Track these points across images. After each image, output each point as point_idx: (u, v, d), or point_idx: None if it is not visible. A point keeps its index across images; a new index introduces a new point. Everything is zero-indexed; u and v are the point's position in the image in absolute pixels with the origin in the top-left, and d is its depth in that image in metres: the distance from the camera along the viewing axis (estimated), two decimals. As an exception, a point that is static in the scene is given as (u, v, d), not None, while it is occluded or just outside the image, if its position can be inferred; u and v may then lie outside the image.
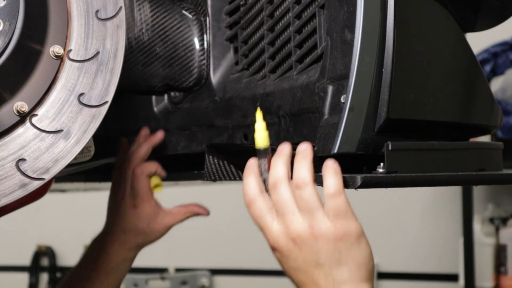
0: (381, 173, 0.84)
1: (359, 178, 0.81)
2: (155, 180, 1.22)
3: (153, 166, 1.20)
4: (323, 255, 0.81)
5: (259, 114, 0.89)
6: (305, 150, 0.85)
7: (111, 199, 1.24)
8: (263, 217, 0.85)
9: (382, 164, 0.84)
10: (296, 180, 0.83)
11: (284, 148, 0.87)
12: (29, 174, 0.77)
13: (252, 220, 0.86)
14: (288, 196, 0.83)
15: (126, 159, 1.22)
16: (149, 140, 1.21)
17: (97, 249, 1.22)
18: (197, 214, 1.25)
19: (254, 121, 1.05)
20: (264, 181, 0.87)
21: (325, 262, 0.81)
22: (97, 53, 0.82)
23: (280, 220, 0.84)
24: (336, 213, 0.82)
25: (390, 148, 0.84)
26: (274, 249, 0.84)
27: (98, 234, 1.24)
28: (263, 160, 0.87)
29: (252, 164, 0.88)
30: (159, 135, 1.21)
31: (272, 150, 0.89)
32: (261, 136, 0.88)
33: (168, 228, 1.24)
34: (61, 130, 0.79)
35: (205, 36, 1.17)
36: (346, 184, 0.82)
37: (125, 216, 1.21)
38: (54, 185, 1.02)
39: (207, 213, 1.23)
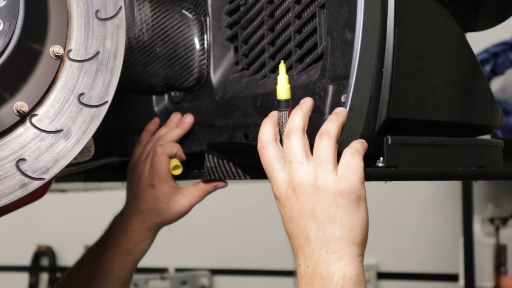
0: (380, 167, 0.85)
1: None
2: (174, 162, 1.19)
3: (175, 147, 1.16)
4: (319, 207, 0.81)
5: (282, 67, 0.90)
6: (341, 112, 0.85)
7: (130, 178, 1.21)
8: (272, 164, 0.85)
9: (382, 158, 0.85)
10: (321, 130, 0.83)
11: (306, 101, 0.87)
12: (29, 174, 0.77)
13: (263, 165, 0.86)
14: (299, 146, 0.83)
15: (151, 139, 1.19)
16: (181, 125, 1.18)
17: (116, 228, 1.20)
18: (216, 189, 1.20)
19: (254, 121, 1.06)
20: (281, 133, 0.87)
21: (319, 215, 0.80)
22: (97, 53, 0.82)
23: (287, 169, 0.83)
24: (347, 169, 0.81)
25: (389, 142, 0.84)
26: (275, 197, 0.84)
27: (118, 213, 1.23)
28: (284, 112, 0.88)
29: (273, 114, 0.89)
30: (189, 120, 1.17)
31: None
32: (283, 88, 0.88)
33: (189, 207, 1.19)
34: (61, 130, 0.79)
35: (205, 36, 1.17)
36: None
37: (143, 196, 1.18)
38: (54, 185, 1.02)
39: (225, 184, 1.18)
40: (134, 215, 1.19)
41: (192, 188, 1.20)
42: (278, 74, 0.89)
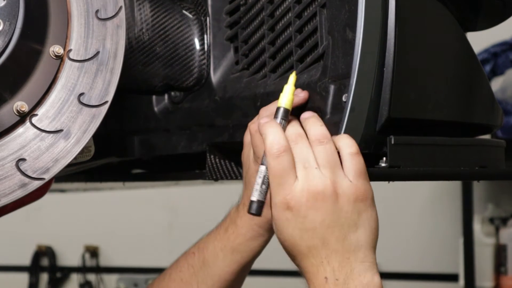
0: (383, 167, 0.84)
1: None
2: None
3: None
4: (343, 215, 0.77)
5: (292, 76, 0.87)
6: (314, 115, 0.83)
7: (243, 167, 1.06)
8: (290, 172, 0.78)
9: (384, 158, 0.84)
10: (317, 136, 0.80)
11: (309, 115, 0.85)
12: (29, 174, 0.77)
13: (271, 172, 0.79)
14: (310, 151, 0.79)
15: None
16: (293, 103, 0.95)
17: (228, 220, 1.07)
18: None
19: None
20: None
21: (343, 223, 0.77)
22: (97, 53, 0.82)
23: (301, 176, 0.78)
24: (357, 172, 0.79)
25: (393, 142, 0.84)
26: (290, 207, 0.77)
27: (235, 205, 1.09)
28: (284, 121, 0.84)
29: (271, 119, 0.83)
30: (304, 95, 0.94)
31: None
32: (287, 97, 0.86)
33: None
34: (61, 130, 0.79)
35: (205, 36, 1.17)
36: None
37: (251, 186, 0.99)
38: (54, 185, 1.02)
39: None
40: (245, 207, 1.02)
41: None
42: (286, 83, 0.86)
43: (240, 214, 1.04)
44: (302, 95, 0.92)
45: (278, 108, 0.86)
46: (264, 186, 0.81)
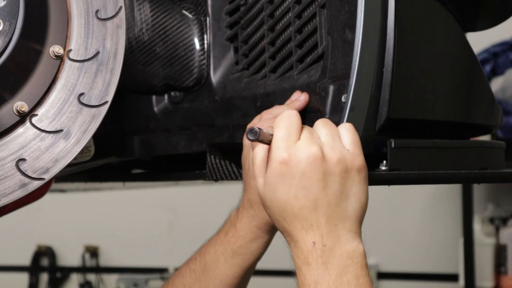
0: (384, 170, 0.84)
1: (362, 175, 0.81)
2: None
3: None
4: (339, 180, 0.79)
5: None
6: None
7: (243, 169, 1.07)
8: (295, 130, 0.81)
9: (385, 161, 0.84)
10: (320, 120, 0.83)
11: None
12: (29, 174, 0.77)
13: (276, 135, 0.80)
14: (314, 131, 0.81)
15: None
16: (295, 106, 0.98)
17: (228, 223, 1.08)
18: None
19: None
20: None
21: (337, 189, 0.78)
22: (97, 53, 0.82)
23: (305, 138, 0.80)
24: (354, 141, 0.81)
25: (393, 145, 0.84)
26: (289, 162, 0.78)
27: (235, 208, 1.10)
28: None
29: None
30: (304, 98, 0.97)
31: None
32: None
33: None
34: (61, 130, 0.79)
35: (205, 36, 1.17)
36: None
37: (251, 187, 1.04)
38: (54, 185, 1.02)
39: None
40: (245, 209, 1.06)
41: None
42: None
43: (240, 217, 1.05)
44: (303, 97, 0.94)
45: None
46: (270, 136, 0.81)
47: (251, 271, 1.08)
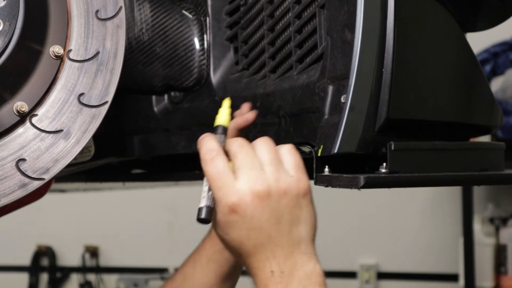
0: (383, 173, 0.84)
1: (362, 178, 0.81)
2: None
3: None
4: (288, 210, 0.79)
5: (227, 101, 0.91)
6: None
7: None
8: (226, 174, 0.79)
9: (384, 164, 0.84)
10: (261, 138, 0.83)
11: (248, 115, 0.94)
12: (29, 174, 0.77)
13: (209, 178, 0.80)
14: (254, 154, 0.81)
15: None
16: (236, 123, 1.02)
17: (207, 233, 1.14)
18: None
19: (254, 121, 1.05)
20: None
21: (288, 219, 0.79)
22: (97, 53, 0.82)
23: (245, 178, 0.79)
24: (296, 165, 0.81)
25: (393, 148, 0.84)
26: (236, 210, 0.78)
27: None
28: (221, 136, 0.86)
29: (207, 134, 0.86)
30: (251, 117, 1.02)
31: None
32: (224, 117, 0.89)
33: None
34: (61, 130, 0.79)
35: (205, 36, 1.17)
36: (349, 184, 0.82)
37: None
38: (54, 185, 1.02)
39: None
40: (207, 239, 1.12)
41: None
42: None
43: (207, 234, 1.09)
44: (250, 117, 0.97)
45: (215, 127, 0.88)
46: (210, 193, 0.81)
47: (231, 280, 1.10)
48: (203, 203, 0.81)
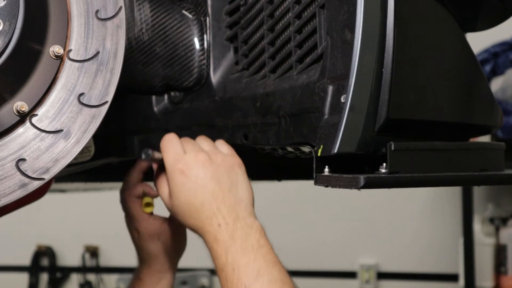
0: (383, 173, 0.84)
1: (362, 178, 0.81)
2: (145, 200, 1.22)
3: (140, 187, 1.20)
4: (226, 174, 0.97)
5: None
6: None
7: (127, 225, 1.26)
8: (178, 149, 1.00)
9: (384, 164, 0.84)
10: (198, 137, 1.06)
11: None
12: (29, 174, 0.77)
13: (164, 151, 1.00)
14: (197, 144, 1.03)
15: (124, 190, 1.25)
16: (137, 166, 1.24)
17: (134, 278, 1.26)
18: None
19: (254, 122, 1.05)
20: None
21: (227, 181, 0.96)
22: (97, 53, 0.82)
23: (191, 151, 0.99)
24: (229, 150, 1.02)
25: (393, 148, 0.84)
26: (182, 172, 0.96)
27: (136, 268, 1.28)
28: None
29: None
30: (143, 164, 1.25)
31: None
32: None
33: (182, 227, 1.21)
34: (61, 130, 0.79)
35: (205, 36, 1.17)
36: (349, 184, 0.82)
37: (135, 242, 1.24)
38: (54, 185, 1.02)
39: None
40: (140, 262, 1.24)
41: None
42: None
43: (141, 269, 1.23)
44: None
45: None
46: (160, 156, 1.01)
47: None
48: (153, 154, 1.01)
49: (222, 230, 0.92)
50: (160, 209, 1.17)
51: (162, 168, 1.03)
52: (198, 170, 0.96)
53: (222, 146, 1.02)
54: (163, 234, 1.20)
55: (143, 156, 1.01)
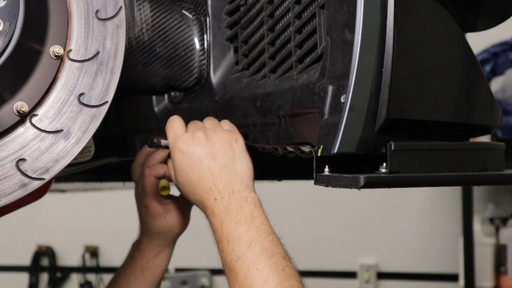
0: (383, 173, 0.84)
1: (362, 178, 0.81)
2: (163, 183, 1.22)
3: (162, 168, 1.20)
4: (222, 150, 1.00)
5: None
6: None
7: (135, 192, 1.28)
8: (180, 129, 1.03)
9: (384, 164, 0.84)
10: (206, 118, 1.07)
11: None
12: (29, 174, 0.77)
13: (168, 132, 1.03)
14: (202, 124, 1.05)
15: (143, 161, 1.25)
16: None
17: (132, 249, 1.28)
18: None
19: (254, 121, 1.06)
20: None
21: (223, 156, 0.99)
22: (97, 53, 0.82)
23: (190, 130, 1.02)
24: (233, 127, 1.05)
25: (393, 148, 0.84)
26: (180, 150, 1.00)
27: (136, 239, 1.30)
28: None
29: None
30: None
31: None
32: None
33: (188, 214, 1.25)
34: (61, 130, 0.79)
35: (205, 36, 1.17)
36: (349, 184, 0.82)
37: (141, 215, 1.26)
38: (54, 185, 1.02)
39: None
40: (142, 234, 1.27)
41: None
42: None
43: (141, 240, 1.26)
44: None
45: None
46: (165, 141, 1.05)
47: (159, 285, 1.29)
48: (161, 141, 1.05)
49: (218, 204, 0.96)
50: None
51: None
52: (194, 147, 0.99)
53: (225, 124, 1.05)
54: (169, 213, 1.23)
55: (149, 144, 1.05)
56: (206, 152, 0.99)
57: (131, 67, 1.14)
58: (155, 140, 1.04)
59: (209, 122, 1.05)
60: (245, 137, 1.07)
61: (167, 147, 1.05)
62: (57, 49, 0.81)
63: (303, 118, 0.95)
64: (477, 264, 2.70)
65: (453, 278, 2.98)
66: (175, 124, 1.04)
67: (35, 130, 0.79)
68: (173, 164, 1.03)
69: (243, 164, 1.00)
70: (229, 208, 0.95)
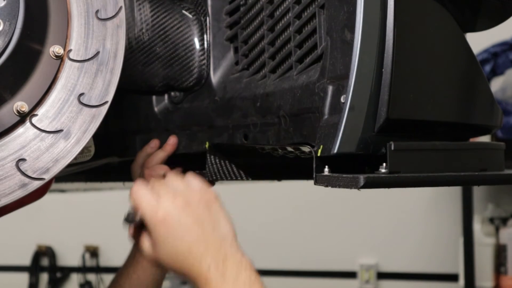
0: (383, 173, 0.84)
1: (362, 178, 0.81)
2: None
3: (161, 168, 1.20)
4: (206, 214, 0.94)
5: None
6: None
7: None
8: (151, 198, 0.94)
9: (384, 164, 0.84)
10: (168, 175, 1.00)
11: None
12: (29, 174, 0.77)
13: (138, 202, 0.93)
14: (166, 182, 0.97)
15: (143, 162, 1.25)
16: (164, 148, 1.23)
17: (135, 247, 1.27)
18: None
19: (254, 122, 1.06)
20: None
21: (209, 221, 0.93)
22: (97, 53, 0.82)
23: (165, 196, 0.93)
24: (202, 184, 0.97)
25: (392, 148, 0.84)
26: (164, 221, 0.92)
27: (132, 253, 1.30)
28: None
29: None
30: (172, 142, 1.23)
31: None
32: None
33: None
34: (61, 130, 0.79)
35: (205, 36, 1.17)
36: (349, 184, 0.82)
37: None
38: (54, 185, 1.02)
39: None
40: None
41: None
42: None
43: (138, 251, 1.20)
44: (172, 141, 1.21)
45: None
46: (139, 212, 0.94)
47: (161, 285, 1.29)
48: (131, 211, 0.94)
49: (213, 271, 0.91)
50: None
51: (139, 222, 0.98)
52: (180, 215, 0.92)
53: (194, 180, 0.98)
54: None
55: (124, 222, 0.95)
56: (193, 219, 0.92)
57: (131, 67, 1.14)
58: (132, 215, 0.93)
59: (177, 182, 0.97)
60: (245, 137, 1.07)
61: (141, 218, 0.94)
62: (57, 49, 0.81)
63: (303, 118, 0.95)
64: (477, 264, 2.70)
65: (453, 278, 2.98)
66: (144, 193, 0.94)
67: (35, 130, 0.79)
68: (153, 236, 0.93)
69: (227, 224, 0.95)
70: (225, 275, 0.91)
